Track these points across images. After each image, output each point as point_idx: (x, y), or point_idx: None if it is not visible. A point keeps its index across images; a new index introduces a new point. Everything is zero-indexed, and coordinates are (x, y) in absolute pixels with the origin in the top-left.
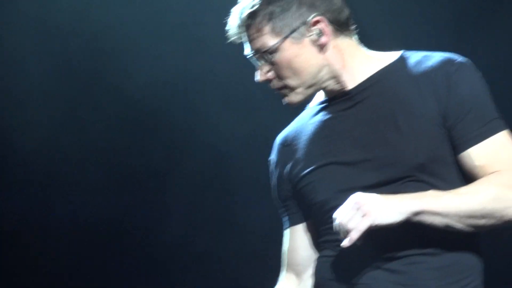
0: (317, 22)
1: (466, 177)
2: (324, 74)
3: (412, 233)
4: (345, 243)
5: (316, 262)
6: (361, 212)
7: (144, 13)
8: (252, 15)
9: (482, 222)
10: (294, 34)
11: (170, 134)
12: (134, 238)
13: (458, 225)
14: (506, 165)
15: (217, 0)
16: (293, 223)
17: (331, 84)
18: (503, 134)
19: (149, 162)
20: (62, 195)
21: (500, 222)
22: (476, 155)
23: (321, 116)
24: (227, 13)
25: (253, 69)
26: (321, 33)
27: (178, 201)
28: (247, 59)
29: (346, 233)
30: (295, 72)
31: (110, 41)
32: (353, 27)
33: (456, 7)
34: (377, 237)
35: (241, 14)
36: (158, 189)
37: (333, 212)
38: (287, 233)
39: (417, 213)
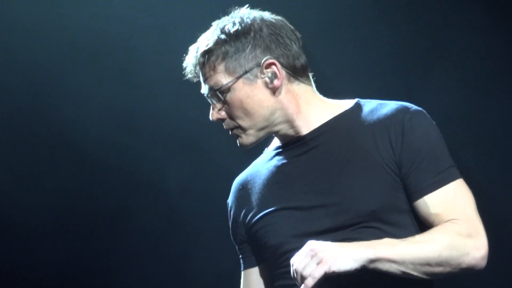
0: (270, 64)
1: (421, 223)
2: (277, 117)
3: (367, 280)
4: None
5: None
6: (316, 259)
7: (87, 53)
8: (206, 54)
9: (438, 270)
10: (247, 75)
11: (120, 180)
12: (83, 285)
13: (414, 272)
14: (461, 213)
15: (164, 39)
16: (247, 266)
17: (284, 128)
18: (457, 183)
19: (99, 209)
20: (11, 242)
21: (456, 270)
22: (431, 203)
23: (276, 161)
24: (181, 51)
25: (205, 113)
26: (274, 76)
27: (129, 248)
28: (198, 104)
29: (302, 280)
30: (247, 113)
31: (57, 86)
32: (310, 73)
33: (403, 57)
34: (333, 283)
35: (197, 52)
36: (108, 236)
37: (287, 257)
38: (242, 275)
39: (372, 261)
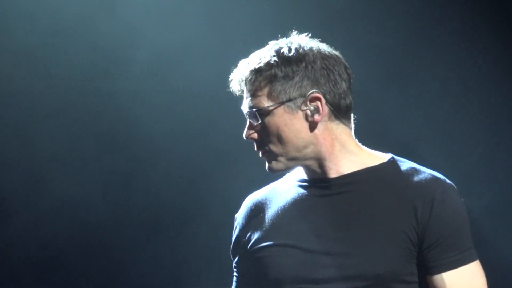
0: (315, 98)
1: None
2: (309, 151)
3: None
4: None
5: None
6: None
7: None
8: (255, 72)
9: None
10: (290, 103)
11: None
12: None
13: None
14: None
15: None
16: (241, 286)
17: (313, 165)
18: (475, 264)
19: None
20: None
21: None
22: (449, 281)
23: (296, 194)
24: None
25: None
26: (316, 111)
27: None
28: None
29: None
30: (281, 140)
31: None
32: (352, 116)
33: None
34: None
35: (246, 68)
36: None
37: None
38: None
39: None
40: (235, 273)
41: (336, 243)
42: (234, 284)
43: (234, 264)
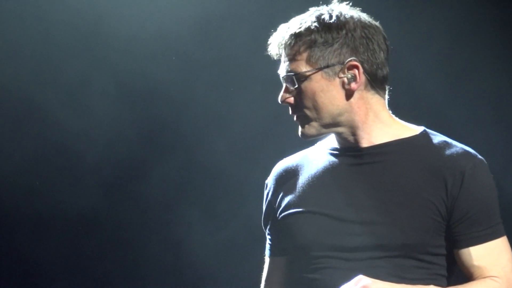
0: (353, 66)
1: (452, 264)
2: (343, 119)
3: None
4: None
5: None
6: None
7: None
8: (295, 37)
9: None
10: (328, 70)
11: None
12: None
13: None
14: (502, 272)
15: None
16: (273, 254)
17: (346, 133)
18: (502, 240)
19: None
20: None
21: None
22: (476, 255)
23: (327, 162)
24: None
25: None
26: (353, 79)
27: None
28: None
29: None
30: (316, 106)
31: None
32: (387, 87)
33: None
34: None
35: (286, 32)
36: None
37: (312, 262)
38: (267, 261)
39: None
40: (268, 241)
41: (366, 212)
42: (268, 252)
43: (267, 232)
